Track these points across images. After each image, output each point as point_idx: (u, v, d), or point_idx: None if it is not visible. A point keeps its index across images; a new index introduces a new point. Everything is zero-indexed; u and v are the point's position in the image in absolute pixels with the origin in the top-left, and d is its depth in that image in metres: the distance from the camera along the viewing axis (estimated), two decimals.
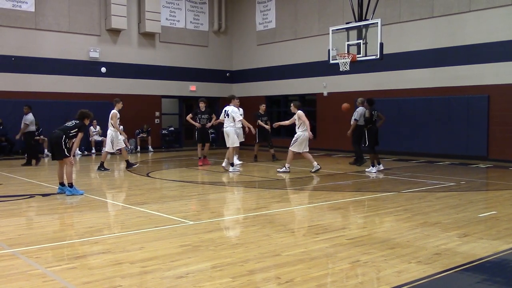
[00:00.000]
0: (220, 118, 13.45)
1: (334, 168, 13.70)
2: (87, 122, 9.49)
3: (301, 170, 13.52)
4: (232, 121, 12.89)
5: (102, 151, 13.78)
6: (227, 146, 12.99)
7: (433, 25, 16.67)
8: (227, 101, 13.25)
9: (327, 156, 17.86)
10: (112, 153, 14.23)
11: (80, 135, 9.27)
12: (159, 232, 6.18)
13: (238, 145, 13.26)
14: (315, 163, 12.58)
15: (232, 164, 12.84)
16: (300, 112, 12.52)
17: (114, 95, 20.19)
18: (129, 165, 13.50)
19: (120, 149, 13.49)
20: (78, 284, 4.25)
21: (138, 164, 14.20)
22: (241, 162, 15.29)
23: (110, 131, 13.21)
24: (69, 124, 9.37)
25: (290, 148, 12.67)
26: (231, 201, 9.29)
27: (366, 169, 12.99)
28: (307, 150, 12.67)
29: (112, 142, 13.18)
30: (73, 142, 9.31)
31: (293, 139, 12.63)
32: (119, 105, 13.29)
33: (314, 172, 12.49)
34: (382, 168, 12.95)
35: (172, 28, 22.22)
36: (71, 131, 9.14)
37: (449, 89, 16.24)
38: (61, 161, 9.27)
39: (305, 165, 14.80)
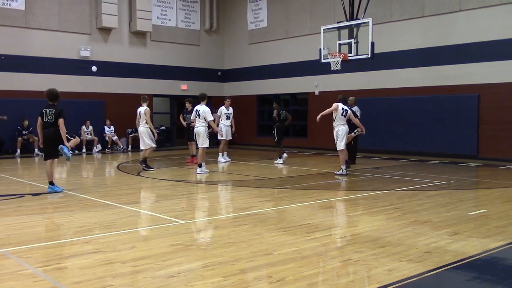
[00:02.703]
0: (192, 118, 12.87)
1: (325, 167, 13.73)
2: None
3: (295, 169, 13.53)
4: (204, 121, 12.29)
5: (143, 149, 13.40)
6: (198, 146, 12.54)
7: (424, 24, 16.75)
8: (199, 100, 12.61)
9: (319, 155, 17.91)
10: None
11: (61, 121, 8.95)
12: (150, 232, 6.17)
13: (207, 145, 12.50)
14: (343, 167, 11.91)
15: (200, 165, 12.41)
16: (334, 103, 11.91)
17: (105, 94, 20.21)
18: (146, 166, 13.11)
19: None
20: (69, 284, 4.23)
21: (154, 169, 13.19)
22: (230, 160, 15.31)
23: (144, 128, 13.03)
24: (49, 119, 9.04)
25: (338, 149, 12.01)
26: (222, 200, 9.28)
27: (275, 162, 14.62)
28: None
29: (151, 138, 13.05)
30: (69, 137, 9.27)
31: (335, 138, 12.04)
32: (147, 102, 13.37)
33: (338, 174, 11.89)
34: (282, 161, 14.57)
35: (163, 27, 22.15)
36: (57, 124, 9.01)
37: (440, 88, 16.34)
38: (50, 161, 9.22)
39: (296, 163, 14.84)
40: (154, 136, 13.08)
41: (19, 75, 18.46)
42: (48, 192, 9.13)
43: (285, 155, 14.68)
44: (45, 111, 9.08)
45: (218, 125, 14.86)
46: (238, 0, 23.52)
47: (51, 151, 9.16)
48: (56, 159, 9.41)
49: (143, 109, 13.09)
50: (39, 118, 9.19)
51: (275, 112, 14.77)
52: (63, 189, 9.28)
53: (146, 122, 12.99)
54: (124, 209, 7.69)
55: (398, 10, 17.36)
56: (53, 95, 9.15)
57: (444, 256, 5.04)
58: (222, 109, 15.18)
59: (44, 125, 9.14)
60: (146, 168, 12.87)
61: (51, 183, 9.23)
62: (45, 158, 9.36)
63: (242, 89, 23.33)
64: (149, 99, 13.74)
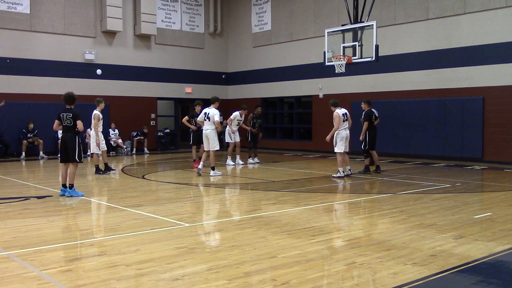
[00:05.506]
0: (198, 119, 12.87)
1: (330, 170, 13.70)
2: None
3: (300, 172, 13.52)
4: (213, 123, 12.35)
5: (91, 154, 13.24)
6: (206, 149, 12.55)
7: (428, 27, 16.72)
8: (210, 102, 12.69)
9: (323, 158, 17.89)
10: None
11: (79, 123, 9.00)
12: (155, 234, 6.17)
13: (218, 148, 12.60)
14: (340, 169, 11.89)
15: (213, 168, 12.51)
16: (334, 113, 11.96)
17: (110, 97, 20.23)
18: (104, 170, 13.00)
19: (93, 153, 13.13)
20: (73, 286, 4.23)
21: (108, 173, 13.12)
22: (243, 163, 15.35)
23: (93, 133, 12.76)
24: (68, 123, 9.09)
25: (335, 151, 12.07)
26: (226, 203, 9.28)
27: (240, 162, 15.52)
28: (347, 150, 12.10)
29: (97, 144, 12.69)
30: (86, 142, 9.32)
31: (334, 141, 12.06)
32: (102, 105, 12.88)
33: (335, 177, 11.83)
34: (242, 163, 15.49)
35: (167, 30, 22.20)
36: (75, 128, 9.06)
37: (444, 91, 16.29)
38: (66, 164, 9.23)
39: (301, 166, 14.83)
40: (98, 144, 12.67)
41: (24, 78, 18.53)
42: (60, 195, 9.12)
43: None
44: (63, 115, 9.14)
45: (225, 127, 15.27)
46: (242, 3, 23.56)
47: (68, 155, 9.15)
48: (70, 163, 9.35)
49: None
50: (56, 121, 9.25)
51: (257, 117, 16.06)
52: (72, 195, 9.21)
53: (93, 127, 12.70)
54: (128, 211, 7.69)
55: (402, 13, 17.34)
56: (70, 99, 9.21)
57: (449, 259, 5.02)
58: (237, 115, 15.19)
59: (63, 128, 9.22)
60: (103, 173, 12.83)
61: (64, 185, 9.22)
62: (61, 161, 9.32)
63: (246, 92, 23.35)
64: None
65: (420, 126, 16.81)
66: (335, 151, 12.06)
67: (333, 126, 11.98)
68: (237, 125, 15.28)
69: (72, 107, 9.21)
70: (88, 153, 18.17)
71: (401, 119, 17.22)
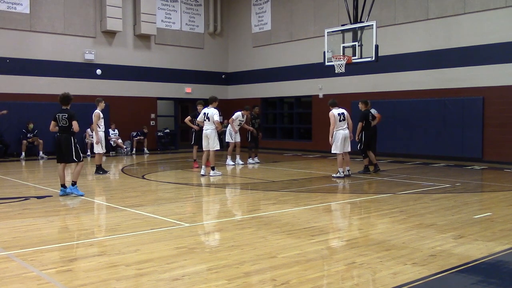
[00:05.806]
0: (198, 120, 12.94)
1: (330, 170, 13.70)
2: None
3: (300, 172, 13.53)
4: (213, 123, 12.42)
5: (95, 153, 13.27)
6: (205, 149, 12.57)
7: (428, 27, 16.73)
8: (208, 102, 12.76)
9: (323, 158, 17.90)
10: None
11: (75, 123, 8.99)
12: (154, 234, 6.17)
13: (218, 148, 12.66)
14: (340, 170, 11.86)
15: (213, 168, 12.55)
16: (330, 113, 11.86)
17: (110, 97, 20.22)
18: (101, 171, 12.99)
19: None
20: (73, 286, 4.23)
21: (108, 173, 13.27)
22: (243, 163, 15.35)
23: (100, 132, 12.78)
24: (64, 123, 9.08)
25: (332, 151, 12.03)
26: (227, 203, 9.28)
27: (249, 160, 15.79)
28: (348, 150, 11.97)
29: (100, 143, 12.69)
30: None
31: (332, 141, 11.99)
32: (102, 105, 12.83)
33: (335, 177, 11.83)
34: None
35: (167, 30, 22.21)
36: (71, 129, 9.05)
37: (444, 91, 16.29)
38: (63, 164, 9.22)
39: (300, 166, 14.84)
40: (97, 142, 12.62)
41: (24, 78, 18.53)
42: (60, 195, 9.12)
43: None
44: (59, 115, 9.12)
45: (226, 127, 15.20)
46: (242, 3, 23.57)
47: (64, 155, 9.15)
48: (68, 164, 9.37)
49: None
50: (53, 122, 9.19)
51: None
52: (75, 194, 9.21)
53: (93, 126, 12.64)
54: (128, 211, 7.69)
55: (402, 12, 17.34)
56: (65, 99, 9.20)
57: (449, 259, 5.02)
58: (239, 115, 15.24)
59: (59, 129, 9.18)
60: (101, 173, 12.83)
61: (63, 186, 9.22)
62: (58, 161, 9.32)
63: (246, 92, 23.35)
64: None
65: (420, 126, 16.81)
66: (331, 151, 12.05)
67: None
68: (238, 125, 15.32)
69: (68, 107, 9.20)
70: (88, 153, 18.26)
71: (401, 119, 17.22)
